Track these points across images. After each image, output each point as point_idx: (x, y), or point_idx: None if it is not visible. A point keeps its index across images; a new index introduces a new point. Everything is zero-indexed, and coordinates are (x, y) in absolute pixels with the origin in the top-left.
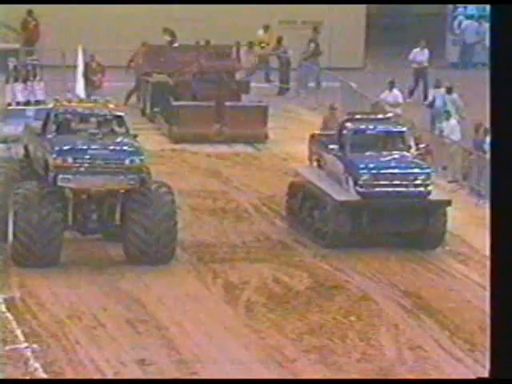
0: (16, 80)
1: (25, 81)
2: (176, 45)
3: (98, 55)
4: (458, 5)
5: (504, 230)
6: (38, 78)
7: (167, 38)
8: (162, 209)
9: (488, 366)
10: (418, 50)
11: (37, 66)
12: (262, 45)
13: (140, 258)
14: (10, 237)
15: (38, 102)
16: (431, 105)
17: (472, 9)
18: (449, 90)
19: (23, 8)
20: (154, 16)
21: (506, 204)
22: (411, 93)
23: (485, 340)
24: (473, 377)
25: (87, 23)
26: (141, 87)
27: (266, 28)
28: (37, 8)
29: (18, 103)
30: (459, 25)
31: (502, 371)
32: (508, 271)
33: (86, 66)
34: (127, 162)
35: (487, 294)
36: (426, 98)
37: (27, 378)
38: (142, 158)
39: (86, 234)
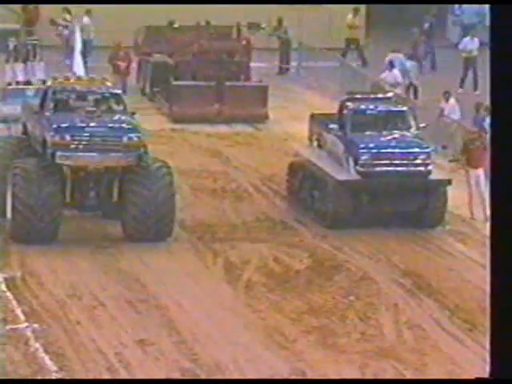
0: (16, 60)
1: (25, 61)
2: (176, 25)
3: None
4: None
5: (504, 210)
6: (37, 57)
7: (66, 16)
8: (160, 187)
9: (488, 363)
10: (467, 38)
11: (36, 46)
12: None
13: (138, 236)
14: (9, 215)
15: (37, 82)
16: (390, 68)
17: None
18: (410, 57)
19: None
20: None
21: (506, 184)
22: (462, 82)
23: (484, 320)
24: (472, 356)
25: (87, 4)
26: (141, 67)
27: (356, 11)
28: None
29: (17, 83)
30: (460, 5)
31: (501, 371)
32: (509, 270)
33: (114, 54)
34: (125, 139)
35: (487, 273)
36: (476, 87)
37: (28, 358)
38: (140, 135)
39: (84, 211)
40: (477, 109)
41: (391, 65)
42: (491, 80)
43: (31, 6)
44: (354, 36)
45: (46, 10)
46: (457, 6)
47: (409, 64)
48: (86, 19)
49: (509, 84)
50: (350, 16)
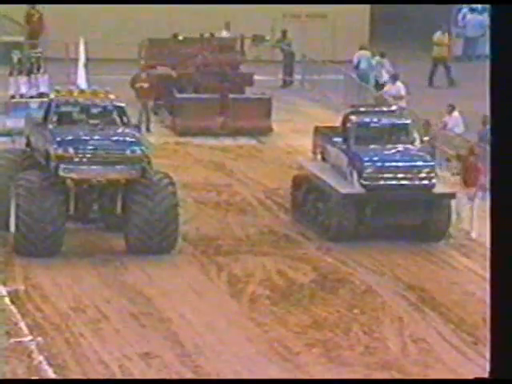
0: (20, 73)
1: (29, 73)
2: (180, 37)
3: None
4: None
5: (504, 225)
6: (41, 70)
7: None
8: (163, 200)
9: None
10: None
11: (40, 58)
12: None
13: (141, 247)
14: (12, 228)
15: (41, 95)
16: (357, 66)
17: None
18: (382, 54)
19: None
20: (157, 9)
21: (505, 198)
22: None
23: (488, 333)
24: (476, 369)
25: (91, 16)
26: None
27: (445, 30)
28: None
29: (21, 96)
30: (463, 18)
31: (501, 371)
32: (508, 269)
33: (136, 77)
34: (128, 152)
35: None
36: None
37: (31, 370)
38: (143, 148)
39: (88, 224)
40: (483, 122)
41: (394, 78)
42: (491, 81)
43: (35, 19)
44: (442, 54)
45: (49, 23)
46: (460, 18)
47: (377, 60)
48: (224, 33)
49: (509, 84)
50: (438, 33)
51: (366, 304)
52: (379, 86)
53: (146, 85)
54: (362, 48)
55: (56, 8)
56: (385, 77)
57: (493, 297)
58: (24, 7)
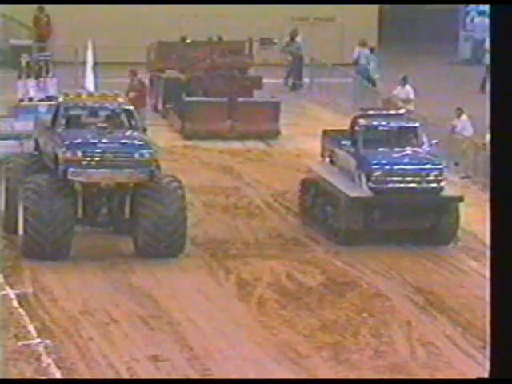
0: (28, 76)
1: (37, 77)
2: (188, 41)
3: (140, 73)
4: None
5: (504, 225)
6: (50, 74)
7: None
8: (172, 204)
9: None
10: None
11: (49, 62)
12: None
13: (150, 251)
14: (21, 232)
15: (50, 98)
16: (356, 62)
17: (484, 5)
18: (371, 49)
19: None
20: (166, 12)
21: (506, 198)
22: None
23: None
24: (485, 373)
25: (99, 19)
26: (153, 83)
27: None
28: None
29: (30, 99)
30: (471, 21)
31: (501, 371)
32: (508, 269)
33: (130, 85)
34: (136, 155)
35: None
36: None
37: (40, 373)
38: (152, 151)
39: (96, 227)
40: None
41: (404, 81)
42: (491, 80)
43: (43, 22)
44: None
45: (58, 26)
46: (468, 21)
47: (371, 57)
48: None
49: (509, 84)
50: (488, 40)
51: (374, 307)
52: (371, 82)
53: (135, 93)
54: (361, 44)
55: (64, 11)
56: (375, 73)
57: (493, 297)
58: (32, 10)
